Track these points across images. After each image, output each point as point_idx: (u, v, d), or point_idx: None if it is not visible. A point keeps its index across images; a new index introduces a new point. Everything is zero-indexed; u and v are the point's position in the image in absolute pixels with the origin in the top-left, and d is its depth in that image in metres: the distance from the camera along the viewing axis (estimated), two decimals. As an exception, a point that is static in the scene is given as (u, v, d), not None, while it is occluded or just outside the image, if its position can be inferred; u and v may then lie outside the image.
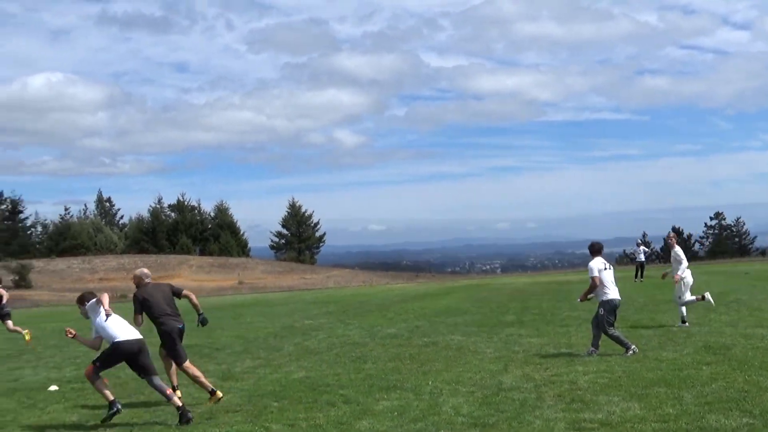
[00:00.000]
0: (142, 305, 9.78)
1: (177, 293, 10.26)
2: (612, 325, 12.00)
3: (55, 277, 74.68)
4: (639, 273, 33.68)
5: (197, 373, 9.82)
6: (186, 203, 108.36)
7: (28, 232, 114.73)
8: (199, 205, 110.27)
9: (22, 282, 66.63)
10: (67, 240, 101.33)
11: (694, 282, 15.78)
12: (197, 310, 10.35)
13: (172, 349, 9.87)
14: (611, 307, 11.99)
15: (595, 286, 11.99)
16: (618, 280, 12.68)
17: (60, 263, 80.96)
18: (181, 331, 9.99)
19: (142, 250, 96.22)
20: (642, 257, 34.81)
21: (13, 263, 71.39)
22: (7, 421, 9.25)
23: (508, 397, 9.13)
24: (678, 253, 15.67)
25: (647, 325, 15.83)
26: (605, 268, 12.11)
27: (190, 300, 10.19)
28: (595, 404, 8.52)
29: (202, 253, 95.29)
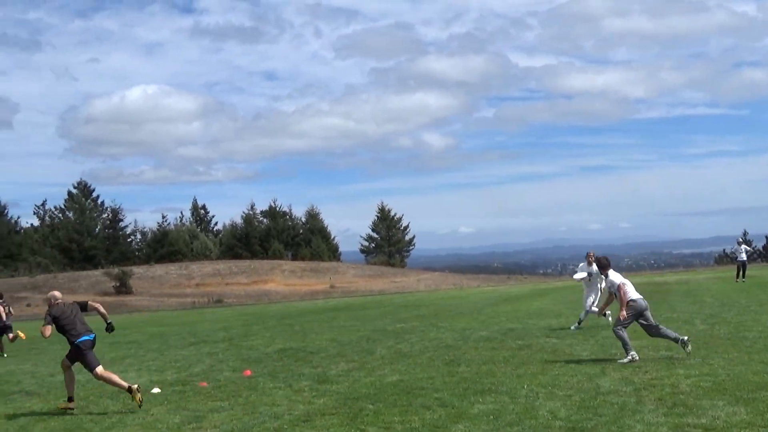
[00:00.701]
0: (55, 321, 10.89)
1: (83, 307, 11.45)
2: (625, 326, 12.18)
3: (154, 283, 76.96)
4: (740, 273, 32.50)
5: (111, 375, 10.82)
6: (278, 209, 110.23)
7: (128, 240, 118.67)
8: (290, 210, 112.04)
9: (122, 288, 69.00)
10: (164, 247, 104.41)
11: None
12: (105, 320, 11.70)
13: (81, 359, 10.74)
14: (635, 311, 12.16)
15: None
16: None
17: (158, 269, 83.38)
18: (92, 342, 11.04)
19: (236, 256, 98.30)
20: (743, 256, 33.55)
21: (115, 270, 74.00)
22: (114, 423, 9.56)
23: (607, 401, 8.94)
24: None
25: (751, 327, 15.28)
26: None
27: (98, 311, 11.47)
28: (698, 408, 8.26)
29: (294, 258, 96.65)
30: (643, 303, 12.23)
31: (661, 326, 12.38)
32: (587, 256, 17.91)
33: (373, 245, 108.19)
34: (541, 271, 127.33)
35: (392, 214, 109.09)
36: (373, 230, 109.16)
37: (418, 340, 17.15)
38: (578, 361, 12.23)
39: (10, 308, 23.48)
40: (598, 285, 17.36)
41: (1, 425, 9.90)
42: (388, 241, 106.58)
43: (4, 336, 21.57)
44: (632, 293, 12.19)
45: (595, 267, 16.79)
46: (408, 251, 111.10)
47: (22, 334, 21.15)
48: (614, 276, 12.61)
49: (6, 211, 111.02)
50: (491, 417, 8.50)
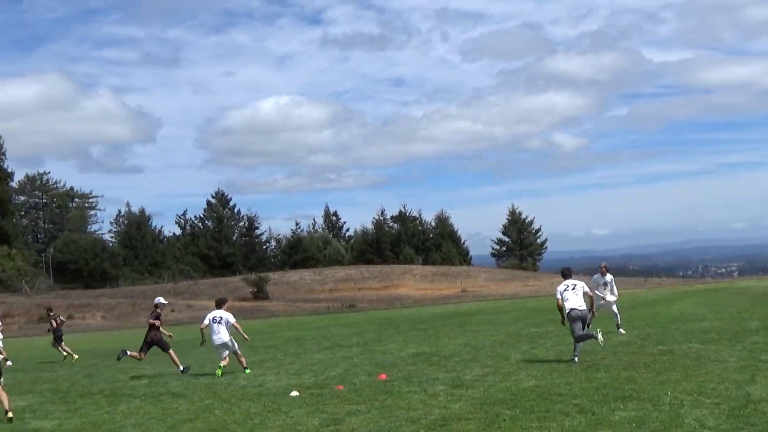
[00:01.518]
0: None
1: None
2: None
3: (289, 288, 78.88)
4: None
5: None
6: (408, 214, 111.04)
7: (264, 247, 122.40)
8: (420, 215, 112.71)
9: (259, 293, 71.09)
10: (298, 253, 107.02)
11: None
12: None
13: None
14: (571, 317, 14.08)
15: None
16: None
17: (293, 275, 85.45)
18: None
19: (368, 261, 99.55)
20: None
21: (252, 276, 76.34)
22: (256, 424, 9.83)
23: (759, 410, 8.48)
24: None
25: None
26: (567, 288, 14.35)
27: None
28: None
29: (425, 262, 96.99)
30: (579, 310, 14.03)
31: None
32: (601, 267, 19.61)
33: (505, 249, 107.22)
34: (681, 273, 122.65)
35: (523, 216, 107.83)
36: (503, 233, 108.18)
37: (553, 344, 16.84)
38: (725, 368, 11.68)
39: (60, 317, 26.69)
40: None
41: (152, 425, 10.36)
42: (520, 244, 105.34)
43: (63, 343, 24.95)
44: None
45: (608, 277, 19.00)
46: (540, 254, 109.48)
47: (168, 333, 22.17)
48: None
49: (150, 222, 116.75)
50: (633, 425, 8.22)
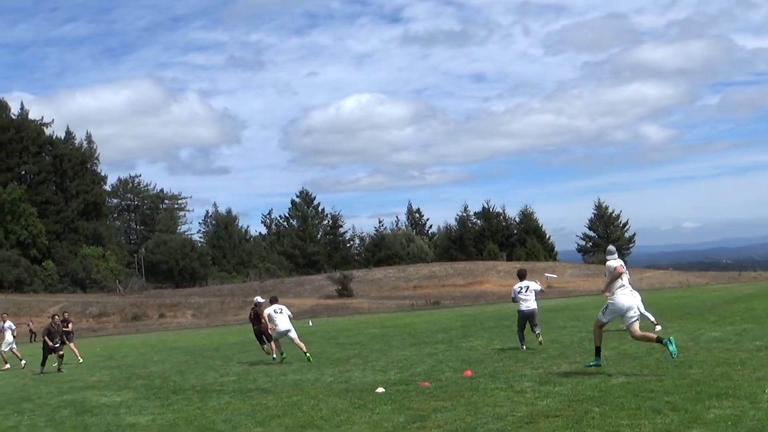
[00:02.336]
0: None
1: None
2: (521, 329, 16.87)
3: (374, 285, 79.28)
4: None
5: None
6: (491, 210, 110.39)
7: (348, 245, 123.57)
8: (503, 211, 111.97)
9: (344, 291, 71.73)
10: (382, 250, 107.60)
11: None
12: None
13: None
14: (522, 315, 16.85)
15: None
16: None
17: (377, 273, 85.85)
18: None
19: (452, 258, 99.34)
20: None
21: (337, 274, 77.08)
22: (342, 420, 9.90)
23: None
24: None
25: None
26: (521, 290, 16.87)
27: None
28: None
29: (509, 258, 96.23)
30: (526, 311, 16.73)
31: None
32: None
33: (591, 244, 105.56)
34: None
35: (610, 210, 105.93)
36: (590, 228, 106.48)
37: (643, 340, 16.43)
38: (827, 364, 11.20)
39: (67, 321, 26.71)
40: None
41: (242, 420, 10.55)
42: (607, 238, 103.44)
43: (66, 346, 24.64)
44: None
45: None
46: (628, 249, 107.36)
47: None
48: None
49: (237, 221, 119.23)
50: (729, 423, 7.94)
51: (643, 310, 17.73)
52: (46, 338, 22.12)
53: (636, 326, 12.13)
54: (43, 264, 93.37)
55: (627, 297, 12.21)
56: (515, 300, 16.82)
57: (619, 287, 12.19)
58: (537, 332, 16.98)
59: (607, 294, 12.29)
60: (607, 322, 12.69)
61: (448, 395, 11.12)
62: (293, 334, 18.39)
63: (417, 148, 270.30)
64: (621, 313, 12.22)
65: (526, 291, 16.68)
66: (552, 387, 11.10)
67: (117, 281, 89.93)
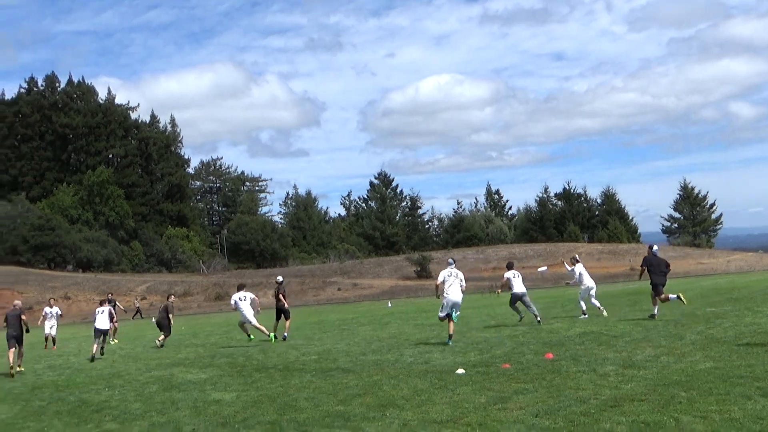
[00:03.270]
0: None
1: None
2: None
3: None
4: None
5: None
6: (572, 191, 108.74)
7: (426, 226, 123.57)
8: (585, 192, 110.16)
9: (422, 272, 71.81)
10: (461, 232, 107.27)
11: None
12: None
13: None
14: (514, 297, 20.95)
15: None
16: None
17: (456, 254, 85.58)
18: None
19: (531, 240, 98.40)
20: None
21: (415, 255, 77.20)
22: (423, 400, 9.93)
23: None
24: None
25: None
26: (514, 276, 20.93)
27: None
28: None
29: (591, 240, 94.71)
30: (518, 293, 20.74)
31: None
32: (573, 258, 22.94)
33: (676, 225, 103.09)
34: None
35: (696, 191, 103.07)
36: (675, 209, 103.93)
37: (731, 325, 15.97)
38: None
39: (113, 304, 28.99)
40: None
41: (324, 399, 10.67)
42: (693, 220, 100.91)
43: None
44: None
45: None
46: (715, 231, 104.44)
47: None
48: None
49: (317, 203, 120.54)
50: (825, 410, 7.66)
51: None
52: (170, 316, 23.61)
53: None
54: (131, 244, 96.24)
55: (454, 295, 16.81)
56: (509, 286, 20.78)
57: (449, 286, 16.76)
58: (534, 312, 20.32)
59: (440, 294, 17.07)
60: (443, 315, 16.96)
61: (529, 377, 11.02)
62: (254, 321, 21.11)
63: (496, 129, 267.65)
64: (448, 309, 16.81)
65: (515, 278, 20.75)
66: (636, 371, 10.89)
67: (200, 261, 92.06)
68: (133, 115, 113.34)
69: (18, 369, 18.01)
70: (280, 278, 23.65)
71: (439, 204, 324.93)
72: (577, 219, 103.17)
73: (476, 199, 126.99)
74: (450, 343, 16.46)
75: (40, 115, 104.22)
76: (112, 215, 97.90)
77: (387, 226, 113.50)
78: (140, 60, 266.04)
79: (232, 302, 21.81)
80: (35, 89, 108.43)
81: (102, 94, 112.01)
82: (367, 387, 11.42)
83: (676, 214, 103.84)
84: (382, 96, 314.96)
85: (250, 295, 21.76)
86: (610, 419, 8.00)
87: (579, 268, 21.71)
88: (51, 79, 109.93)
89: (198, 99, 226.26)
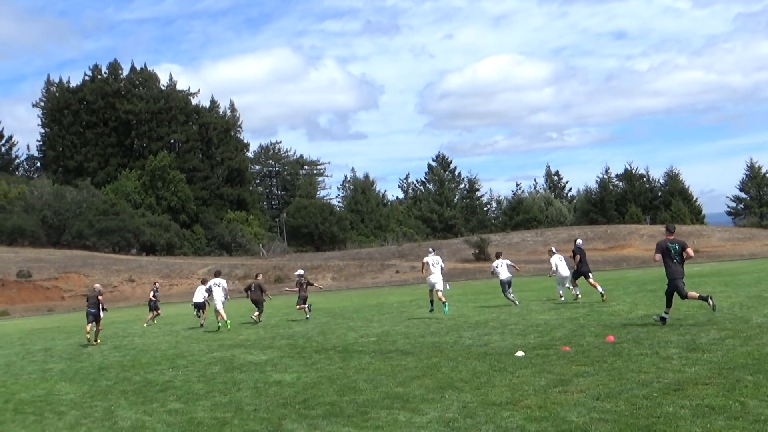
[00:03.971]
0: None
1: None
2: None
3: (511, 249, 78.54)
4: None
5: None
6: (634, 172, 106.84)
7: (485, 209, 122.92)
8: (647, 173, 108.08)
9: (481, 255, 71.43)
10: (520, 214, 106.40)
11: None
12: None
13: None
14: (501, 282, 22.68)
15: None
16: None
17: (515, 236, 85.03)
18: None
19: (592, 222, 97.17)
20: None
21: (474, 237, 76.89)
22: (483, 382, 9.90)
23: None
24: None
25: None
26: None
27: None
28: None
29: (653, 222, 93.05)
30: (504, 279, 22.56)
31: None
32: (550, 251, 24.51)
33: (742, 206, 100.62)
34: None
35: (763, 171, 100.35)
36: (741, 190, 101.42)
37: (800, 307, 15.56)
38: None
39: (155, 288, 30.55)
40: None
41: (383, 380, 10.73)
42: (759, 201, 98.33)
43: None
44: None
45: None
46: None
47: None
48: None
49: (375, 186, 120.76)
50: None
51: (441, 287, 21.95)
52: (264, 293, 25.76)
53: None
54: (192, 228, 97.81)
55: (435, 276, 21.22)
56: (494, 273, 23.04)
57: (432, 270, 21.45)
58: (511, 297, 22.50)
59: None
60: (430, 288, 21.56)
61: (590, 360, 10.90)
62: (220, 306, 23.33)
63: (556, 110, 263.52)
64: (430, 286, 21.53)
65: (501, 266, 22.62)
66: (700, 354, 10.68)
67: (260, 245, 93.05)
68: (194, 101, 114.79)
69: (95, 342, 21.28)
70: (300, 271, 27.18)
71: (497, 186, 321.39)
72: (638, 200, 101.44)
73: (535, 180, 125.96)
74: (447, 311, 20.96)
75: (104, 102, 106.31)
76: (173, 200, 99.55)
77: (445, 209, 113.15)
78: (200, 46, 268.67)
79: (208, 286, 24.69)
80: (99, 77, 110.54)
81: (163, 81, 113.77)
82: (426, 369, 11.43)
83: (743, 195, 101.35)
84: (440, 78, 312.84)
85: (223, 282, 24.28)
86: (673, 403, 7.87)
87: (555, 259, 23.17)
88: (114, 67, 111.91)
89: (257, 84, 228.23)
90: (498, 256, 23.48)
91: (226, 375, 12.74)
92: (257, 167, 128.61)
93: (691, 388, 8.52)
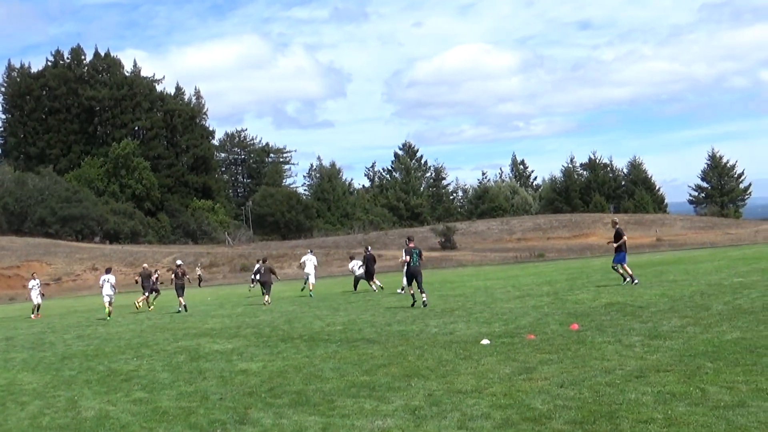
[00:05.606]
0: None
1: None
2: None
3: (477, 238, 79.01)
4: None
5: None
6: (598, 161, 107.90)
7: (451, 197, 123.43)
8: (611, 162, 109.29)
9: (447, 243, 71.75)
10: (485, 203, 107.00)
11: None
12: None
13: None
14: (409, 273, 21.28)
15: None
16: None
17: (480, 225, 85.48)
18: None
19: (556, 210, 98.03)
20: None
21: (440, 226, 77.11)
22: (448, 370, 9.96)
23: None
24: None
25: None
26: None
27: None
28: None
29: (617, 210, 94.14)
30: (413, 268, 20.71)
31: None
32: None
33: (704, 195, 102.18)
34: None
35: (725, 161, 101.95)
36: (702, 179, 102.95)
37: (759, 295, 15.84)
38: None
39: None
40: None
41: (349, 369, 10.75)
42: (720, 190, 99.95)
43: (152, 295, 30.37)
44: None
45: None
46: (743, 201, 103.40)
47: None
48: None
49: (341, 174, 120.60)
50: None
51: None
52: (274, 275, 27.42)
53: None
54: (157, 216, 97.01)
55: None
56: (353, 271, 25.46)
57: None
58: (424, 296, 20.56)
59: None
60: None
61: (554, 348, 11.02)
62: (107, 300, 26.11)
63: (522, 99, 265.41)
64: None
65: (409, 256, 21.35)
66: (662, 341, 10.85)
67: (226, 233, 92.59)
68: (159, 88, 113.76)
69: (149, 308, 28.63)
70: (179, 261, 30.28)
71: (463, 175, 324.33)
72: (602, 189, 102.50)
73: (501, 169, 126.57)
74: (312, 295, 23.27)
75: (67, 88, 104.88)
76: (138, 187, 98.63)
77: (411, 197, 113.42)
78: (165, 32, 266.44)
79: (100, 281, 27.38)
80: (62, 62, 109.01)
81: (128, 67, 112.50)
82: (392, 357, 11.48)
83: (704, 184, 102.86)
84: (407, 66, 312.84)
85: (112, 278, 26.93)
86: (635, 390, 7.98)
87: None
88: (77, 52, 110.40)
89: (224, 71, 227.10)
90: (410, 239, 22.68)
91: (192, 364, 12.67)
92: (223, 155, 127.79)
93: (653, 375, 8.65)
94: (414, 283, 20.44)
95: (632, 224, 74.70)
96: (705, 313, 13.54)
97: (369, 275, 28.90)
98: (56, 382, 12.08)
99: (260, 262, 28.45)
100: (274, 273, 27.33)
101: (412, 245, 21.16)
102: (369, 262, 28.94)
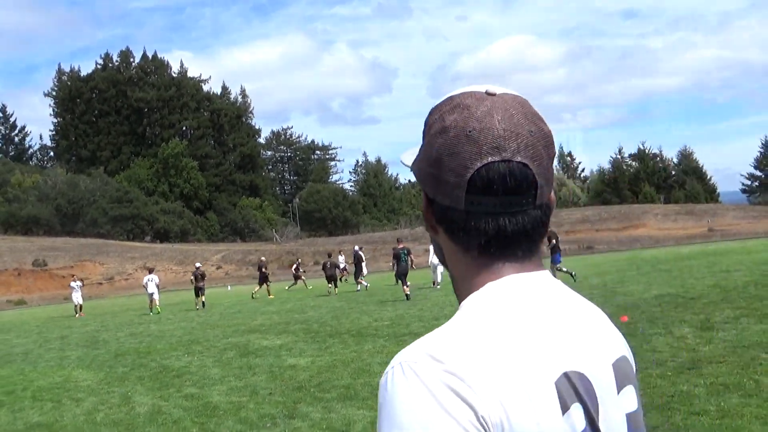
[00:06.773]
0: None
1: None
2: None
3: (525, 231, 78.28)
4: None
5: None
6: (647, 151, 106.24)
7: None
8: (660, 152, 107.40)
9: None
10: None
11: None
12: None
13: None
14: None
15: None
16: None
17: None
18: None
19: (605, 202, 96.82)
20: None
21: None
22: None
23: None
24: None
25: None
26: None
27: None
28: None
29: (667, 201, 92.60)
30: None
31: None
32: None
33: (757, 184, 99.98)
34: None
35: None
36: (756, 168, 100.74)
37: (815, 285, 15.48)
38: None
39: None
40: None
41: (396, 363, 10.76)
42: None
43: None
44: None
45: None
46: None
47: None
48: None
49: (387, 170, 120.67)
50: None
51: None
52: (337, 268, 31.78)
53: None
54: (206, 215, 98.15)
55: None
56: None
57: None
58: (406, 289, 22.40)
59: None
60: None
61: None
62: (156, 297, 28.69)
63: (569, 90, 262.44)
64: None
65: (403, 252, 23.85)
66: (715, 333, 10.66)
67: (273, 230, 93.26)
68: (205, 88, 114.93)
69: (269, 296, 30.95)
70: (198, 264, 31.37)
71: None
72: (652, 180, 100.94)
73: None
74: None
75: (116, 91, 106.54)
76: (186, 187, 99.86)
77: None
78: (211, 33, 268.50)
79: (144, 281, 29.76)
80: (110, 65, 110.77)
81: (175, 68, 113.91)
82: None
83: (758, 173, 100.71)
84: (452, 60, 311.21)
85: (156, 277, 29.23)
86: (687, 381, 7.86)
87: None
88: (125, 55, 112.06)
89: (269, 70, 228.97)
90: (399, 241, 25.54)
91: (242, 360, 12.81)
92: (269, 153, 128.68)
93: (706, 366, 8.51)
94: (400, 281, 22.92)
95: (683, 214, 73.50)
96: (759, 304, 13.27)
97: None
98: (110, 378, 12.31)
99: (330, 256, 32.80)
100: (337, 266, 32.23)
101: (400, 246, 23.14)
102: (331, 267, 30.36)
